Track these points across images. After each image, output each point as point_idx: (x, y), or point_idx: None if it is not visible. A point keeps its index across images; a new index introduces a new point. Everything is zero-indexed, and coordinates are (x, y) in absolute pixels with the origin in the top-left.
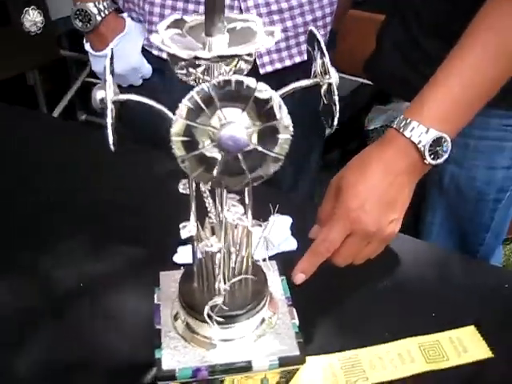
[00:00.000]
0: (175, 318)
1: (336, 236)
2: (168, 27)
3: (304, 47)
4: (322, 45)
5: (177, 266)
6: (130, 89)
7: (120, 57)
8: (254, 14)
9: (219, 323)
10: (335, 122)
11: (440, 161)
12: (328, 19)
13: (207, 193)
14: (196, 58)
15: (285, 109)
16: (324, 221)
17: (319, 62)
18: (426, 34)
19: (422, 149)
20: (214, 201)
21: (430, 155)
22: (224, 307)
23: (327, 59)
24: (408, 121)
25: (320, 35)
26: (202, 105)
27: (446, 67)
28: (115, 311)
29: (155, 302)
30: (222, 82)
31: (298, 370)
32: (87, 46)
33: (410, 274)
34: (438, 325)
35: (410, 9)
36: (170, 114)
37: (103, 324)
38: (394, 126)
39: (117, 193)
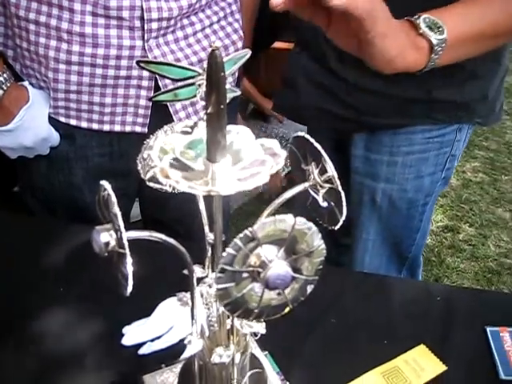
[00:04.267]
0: None
1: None
2: (160, 152)
3: None
4: (322, 152)
5: (130, 350)
6: (41, 158)
7: (28, 129)
8: None
9: None
10: (340, 223)
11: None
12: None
13: (210, 303)
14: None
15: (319, 234)
16: None
17: (313, 165)
18: (344, 64)
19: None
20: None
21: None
22: None
23: (331, 166)
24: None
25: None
26: (246, 249)
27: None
28: None
29: None
30: (263, 223)
31: None
32: None
33: (350, 306)
34: (392, 350)
35: (324, 42)
36: (183, 250)
37: None
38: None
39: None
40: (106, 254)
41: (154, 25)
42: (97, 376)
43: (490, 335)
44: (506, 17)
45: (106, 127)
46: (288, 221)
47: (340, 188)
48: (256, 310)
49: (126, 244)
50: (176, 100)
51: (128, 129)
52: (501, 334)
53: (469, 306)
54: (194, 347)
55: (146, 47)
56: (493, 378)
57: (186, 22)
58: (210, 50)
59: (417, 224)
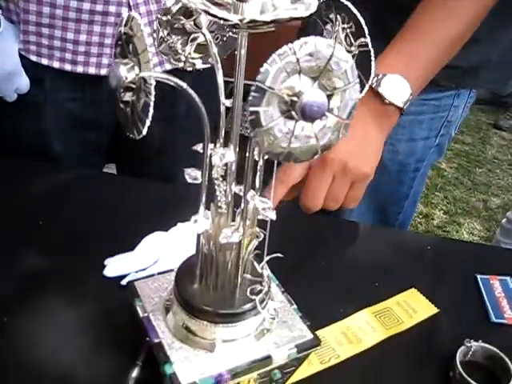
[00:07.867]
0: (174, 326)
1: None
2: None
3: None
4: (355, 11)
5: (115, 280)
6: (7, 104)
7: None
8: (144, 10)
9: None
10: (366, 89)
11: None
12: None
13: (220, 179)
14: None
15: (356, 71)
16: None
17: (339, 29)
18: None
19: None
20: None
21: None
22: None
23: (364, 25)
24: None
25: None
26: (285, 70)
27: (409, 28)
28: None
29: (141, 315)
30: (303, 42)
31: (309, 354)
32: None
33: (341, 251)
34: (383, 293)
35: None
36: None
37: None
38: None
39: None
40: (122, 90)
41: None
42: (82, 304)
43: (480, 282)
44: (451, 31)
45: (80, 69)
46: (328, 44)
47: (371, 47)
48: (285, 150)
49: (151, 66)
50: None
51: (103, 72)
52: (491, 282)
53: (459, 255)
54: (200, 226)
55: None
56: (484, 321)
57: None
58: None
59: (406, 190)
